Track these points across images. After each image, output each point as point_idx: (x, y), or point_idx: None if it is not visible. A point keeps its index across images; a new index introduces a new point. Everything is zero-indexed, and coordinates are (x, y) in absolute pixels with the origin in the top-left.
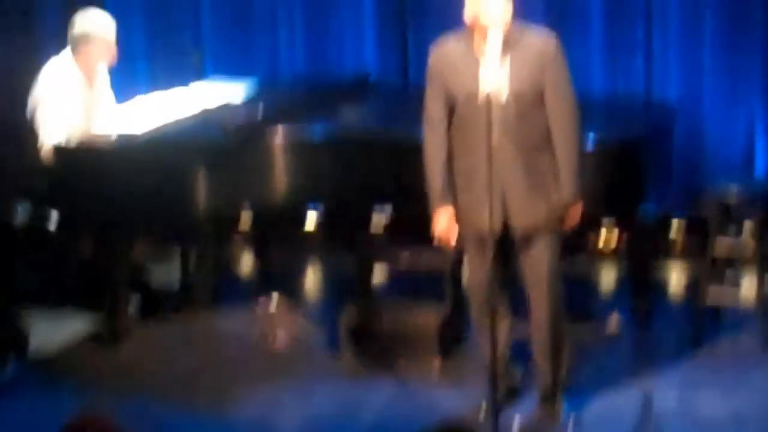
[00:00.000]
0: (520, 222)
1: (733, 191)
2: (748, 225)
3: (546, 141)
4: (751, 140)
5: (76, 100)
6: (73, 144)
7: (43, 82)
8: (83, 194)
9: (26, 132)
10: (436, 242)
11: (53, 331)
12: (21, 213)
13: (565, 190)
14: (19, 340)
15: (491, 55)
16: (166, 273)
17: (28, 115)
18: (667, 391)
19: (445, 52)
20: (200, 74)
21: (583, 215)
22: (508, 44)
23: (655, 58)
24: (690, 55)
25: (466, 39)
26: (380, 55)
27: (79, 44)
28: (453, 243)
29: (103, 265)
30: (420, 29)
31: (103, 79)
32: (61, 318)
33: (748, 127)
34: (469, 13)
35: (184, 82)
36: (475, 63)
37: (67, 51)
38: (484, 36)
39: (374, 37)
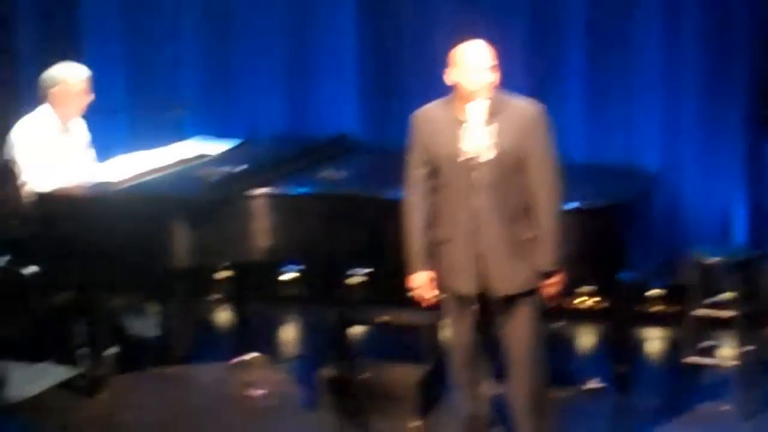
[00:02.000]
0: (500, 287)
1: (712, 257)
2: (727, 290)
3: (527, 207)
4: (729, 208)
5: (54, 144)
6: (53, 191)
7: (21, 127)
8: (62, 243)
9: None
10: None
11: (29, 380)
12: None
13: (545, 258)
14: None
15: (474, 118)
16: (145, 326)
17: (6, 157)
18: None
19: (428, 116)
20: (181, 129)
21: (563, 282)
22: (492, 110)
23: (635, 127)
24: (670, 123)
25: (450, 104)
26: (360, 117)
27: (52, 92)
28: (430, 304)
29: (81, 316)
30: (401, 92)
31: (82, 131)
32: (38, 367)
33: (726, 195)
34: (451, 78)
35: (165, 137)
36: (458, 127)
37: (44, 105)
38: (467, 101)
39: (355, 98)
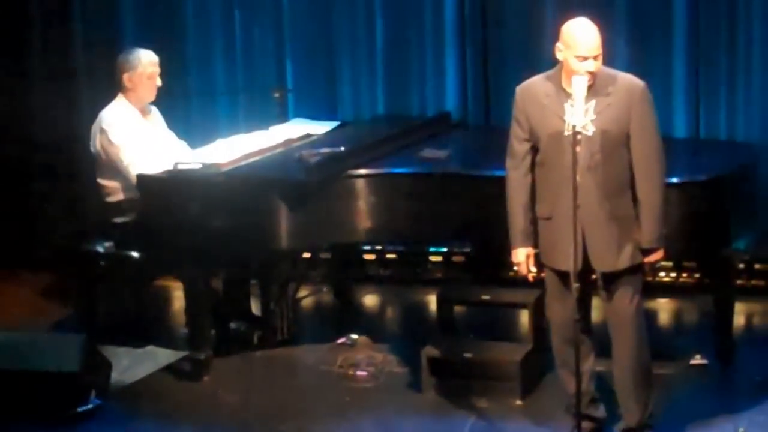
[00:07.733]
0: (601, 263)
1: None
2: None
3: (629, 185)
4: None
5: (138, 130)
6: (155, 174)
7: (108, 126)
8: (163, 226)
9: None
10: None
11: (135, 364)
12: (104, 247)
13: (646, 235)
14: (101, 372)
15: (578, 94)
16: (248, 308)
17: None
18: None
19: (532, 90)
20: (282, 112)
21: (666, 257)
22: (596, 86)
23: (738, 99)
24: None
25: (554, 78)
26: (461, 97)
27: (126, 77)
28: (531, 279)
29: (185, 299)
30: (501, 72)
31: (157, 117)
32: (142, 351)
33: None
34: (560, 52)
35: (266, 120)
36: (562, 102)
37: (119, 96)
38: (573, 76)
39: (455, 79)
